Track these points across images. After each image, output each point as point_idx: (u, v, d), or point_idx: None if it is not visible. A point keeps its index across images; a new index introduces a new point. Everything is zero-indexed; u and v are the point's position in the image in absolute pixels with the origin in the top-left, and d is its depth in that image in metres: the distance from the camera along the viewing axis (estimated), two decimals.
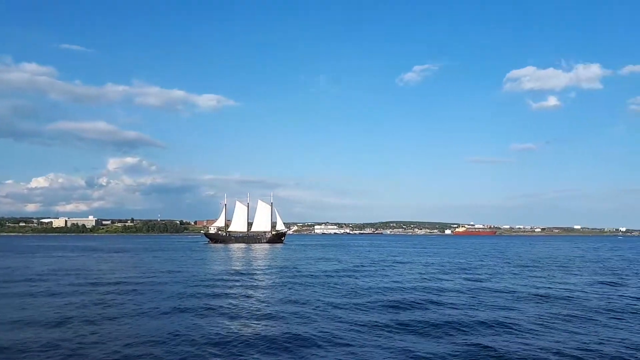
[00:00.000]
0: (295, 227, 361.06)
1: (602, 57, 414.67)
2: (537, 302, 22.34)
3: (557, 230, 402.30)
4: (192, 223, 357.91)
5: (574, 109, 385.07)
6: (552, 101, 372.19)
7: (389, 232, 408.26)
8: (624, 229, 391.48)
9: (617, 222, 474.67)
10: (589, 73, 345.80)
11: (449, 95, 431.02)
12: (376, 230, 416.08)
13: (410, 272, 38.76)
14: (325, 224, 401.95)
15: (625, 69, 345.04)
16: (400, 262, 50.79)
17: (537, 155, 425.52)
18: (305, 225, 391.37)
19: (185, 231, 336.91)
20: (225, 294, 25.22)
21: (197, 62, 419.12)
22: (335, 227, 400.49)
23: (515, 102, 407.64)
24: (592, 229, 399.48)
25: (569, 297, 24.18)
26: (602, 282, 31.22)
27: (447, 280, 32.18)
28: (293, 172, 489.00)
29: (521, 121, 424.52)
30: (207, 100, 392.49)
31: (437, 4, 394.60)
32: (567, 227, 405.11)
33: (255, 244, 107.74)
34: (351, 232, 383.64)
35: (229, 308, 20.70)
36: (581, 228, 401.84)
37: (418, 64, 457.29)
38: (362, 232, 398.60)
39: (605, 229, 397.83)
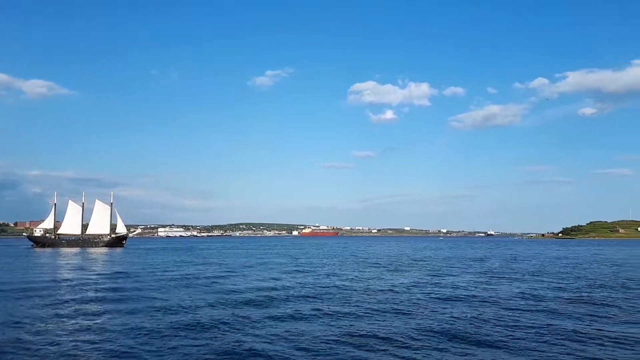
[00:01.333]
0: (139, 230, 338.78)
1: (431, 77, 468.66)
2: (381, 297, 24.42)
3: (390, 231, 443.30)
4: (12, 225, 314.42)
5: (407, 122, 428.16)
6: (389, 114, 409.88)
7: (238, 234, 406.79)
8: (445, 230, 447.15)
9: (440, 224, 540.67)
10: (420, 91, 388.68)
11: (298, 101, 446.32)
12: (225, 232, 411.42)
13: (259, 276, 39.15)
14: (170, 226, 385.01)
15: (448, 90, 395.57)
16: (249, 267, 50.99)
17: (376, 162, 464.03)
18: (147, 228, 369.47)
19: (2, 233, 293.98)
20: (43, 304, 22.51)
21: (27, 43, 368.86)
22: (182, 229, 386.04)
23: (358, 113, 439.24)
24: (420, 230, 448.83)
25: (392, 290, 26.92)
26: (425, 278, 35.33)
27: (289, 280, 33.28)
28: (138, 171, 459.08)
29: (363, 131, 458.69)
30: (34, 87, 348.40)
31: (294, 13, 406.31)
32: (399, 229, 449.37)
33: (92, 248, 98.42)
34: (198, 235, 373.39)
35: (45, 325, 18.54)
36: (410, 229, 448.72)
37: (270, 69, 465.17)
38: (210, 234, 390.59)
39: (430, 230, 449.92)
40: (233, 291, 27.55)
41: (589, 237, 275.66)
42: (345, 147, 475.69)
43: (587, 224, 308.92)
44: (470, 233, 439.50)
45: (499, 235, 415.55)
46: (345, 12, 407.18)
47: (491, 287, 29.92)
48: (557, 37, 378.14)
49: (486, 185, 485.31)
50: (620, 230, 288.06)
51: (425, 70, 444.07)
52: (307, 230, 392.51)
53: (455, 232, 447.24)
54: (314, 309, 21.19)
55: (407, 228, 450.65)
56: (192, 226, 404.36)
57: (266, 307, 21.99)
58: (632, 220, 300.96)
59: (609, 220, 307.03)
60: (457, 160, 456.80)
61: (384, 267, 47.71)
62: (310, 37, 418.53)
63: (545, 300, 23.97)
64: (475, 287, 29.52)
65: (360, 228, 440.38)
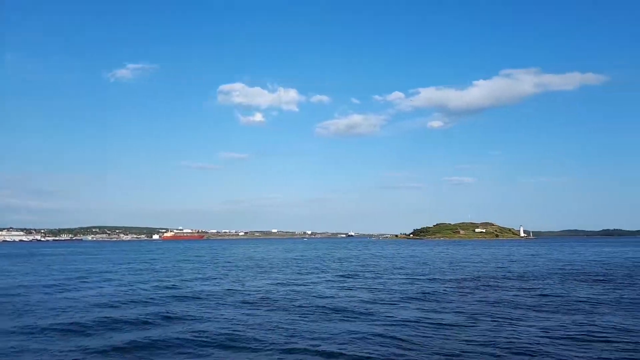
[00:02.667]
0: None
1: (299, 84, 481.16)
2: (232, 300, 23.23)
3: (258, 234, 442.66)
4: None
5: (276, 126, 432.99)
6: (259, 117, 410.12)
7: (90, 238, 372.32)
8: (310, 232, 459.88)
9: (305, 226, 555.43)
10: (288, 97, 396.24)
11: (163, 97, 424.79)
12: (75, 236, 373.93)
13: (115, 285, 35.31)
14: (9, 229, 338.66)
15: (315, 97, 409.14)
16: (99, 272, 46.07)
17: (244, 164, 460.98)
18: None
19: None
20: None
21: None
22: (22, 233, 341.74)
23: (226, 114, 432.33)
24: (286, 232, 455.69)
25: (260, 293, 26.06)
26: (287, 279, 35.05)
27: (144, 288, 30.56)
28: None
29: (231, 132, 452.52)
30: None
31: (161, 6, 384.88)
32: (266, 231, 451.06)
33: None
34: (43, 240, 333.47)
35: None
36: (277, 231, 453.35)
37: (132, 62, 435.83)
38: (56, 239, 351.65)
39: (296, 232, 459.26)
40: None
41: (435, 237, 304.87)
42: (212, 148, 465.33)
43: (434, 225, 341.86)
44: (333, 234, 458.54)
45: (358, 236, 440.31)
46: (217, 12, 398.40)
47: (345, 285, 30.57)
48: (413, 55, 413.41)
49: (348, 189, 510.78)
50: (461, 232, 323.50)
51: (293, 77, 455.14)
52: (169, 234, 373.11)
53: (319, 233, 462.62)
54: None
55: (274, 230, 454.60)
56: (35, 229, 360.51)
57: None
58: (471, 222, 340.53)
59: (452, 222, 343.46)
60: (322, 164, 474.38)
61: (262, 268, 46.63)
62: (177, 32, 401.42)
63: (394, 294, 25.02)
64: (329, 288, 29.89)
65: (227, 231, 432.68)
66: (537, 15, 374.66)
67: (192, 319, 19.94)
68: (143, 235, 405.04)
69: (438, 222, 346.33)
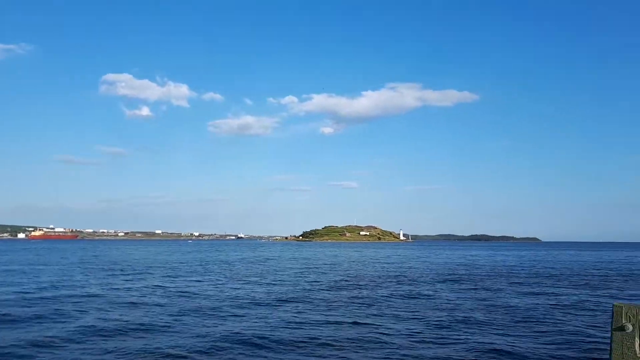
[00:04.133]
0: None
1: (190, 80, 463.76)
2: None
3: (139, 235, 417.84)
4: None
5: (164, 122, 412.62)
6: (146, 111, 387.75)
7: None
8: (197, 234, 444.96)
9: (192, 227, 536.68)
10: (179, 92, 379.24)
11: (34, 81, 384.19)
12: None
13: None
14: None
15: (208, 95, 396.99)
16: None
17: (126, 160, 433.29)
18: None
19: None
20: None
21: None
22: None
23: (109, 106, 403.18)
24: (172, 233, 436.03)
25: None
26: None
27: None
28: None
29: (114, 125, 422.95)
30: None
31: None
32: (149, 232, 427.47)
33: None
34: None
35: None
36: (162, 232, 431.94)
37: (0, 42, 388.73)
38: None
39: (182, 234, 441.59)
40: None
41: (323, 239, 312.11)
42: (89, 141, 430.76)
43: (323, 228, 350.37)
44: (222, 236, 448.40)
45: (248, 237, 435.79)
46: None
47: (225, 287, 28.73)
48: (308, 61, 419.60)
49: (238, 189, 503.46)
50: (347, 234, 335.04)
51: (185, 72, 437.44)
52: (37, 233, 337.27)
53: (207, 235, 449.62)
54: None
55: (158, 231, 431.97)
56: None
57: None
58: (356, 226, 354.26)
59: (339, 225, 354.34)
60: (212, 164, 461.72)
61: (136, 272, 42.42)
62: (59, 11, 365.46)
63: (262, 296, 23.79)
64: (214, 288, 27.85)
65: (105, 231, 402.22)
66: (423, 35, 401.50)
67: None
68: (6, 234, 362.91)
69: (326, 225, 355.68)
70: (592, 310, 22.09)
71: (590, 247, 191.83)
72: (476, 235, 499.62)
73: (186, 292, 27.84)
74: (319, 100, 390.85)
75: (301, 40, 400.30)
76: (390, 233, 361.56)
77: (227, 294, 27.09)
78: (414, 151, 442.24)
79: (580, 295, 27.77)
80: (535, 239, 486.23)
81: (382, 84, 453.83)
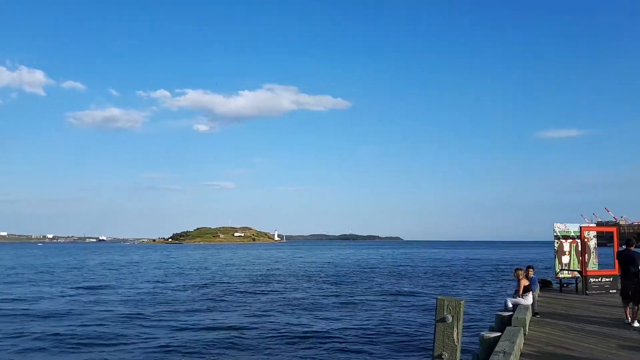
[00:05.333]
0: None
1: (46, 66, 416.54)
2: None
3: None
4: None
5: (14, 110, 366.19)
6: None
7: None
8: (51, 236, 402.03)
9: (46, 228, 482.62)
10: (33, 78, 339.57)
11: None
12: None
13: None
14: None
15: (68, 83, 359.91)
16: None
17: None
18: None
19: None
20: None
21: None
22: None
23: None
24: (20, 235, 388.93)
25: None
26: None
27: None
28: None
29: None
30: None
31: None
32: None
33: None
34: None
35: None
36: (7, 235, 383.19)
37: None
38: None
39: (33, 236, 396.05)
40: None
41: (195, 241, 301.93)
42: None
43: (195, 229, 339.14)
44: (80, 238, 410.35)
45: (111, 240, 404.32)
46: None
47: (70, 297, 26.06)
48: (183, 54, 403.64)
49: (101, 187, 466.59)
50: (221, 236, 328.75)
51: (41, 57, 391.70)
52: None
53: (63, 237, 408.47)
54: None
55: (3, 233, 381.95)
56: None
57: None
58: (231, 227, 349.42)
59: (212, 227, 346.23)
60: (71, 159, 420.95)
61: None
62: None
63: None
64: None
65: None
66: (303, 39, 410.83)
67: None
68: None
69: (199, 227, 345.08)
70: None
71: (442, 245, 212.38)
72: (346, 235, 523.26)
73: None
74: (194, 96, 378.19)
75: (175, 34, 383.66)
76: (265, 234, 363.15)
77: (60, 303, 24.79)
78: (290, 153, 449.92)
79: (416, 288, 30.51)
80: (397, 238, 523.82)
81: (259, 85, 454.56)
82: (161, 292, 29.04)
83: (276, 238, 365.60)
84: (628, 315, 10.66)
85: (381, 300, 25.02)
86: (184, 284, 34.64)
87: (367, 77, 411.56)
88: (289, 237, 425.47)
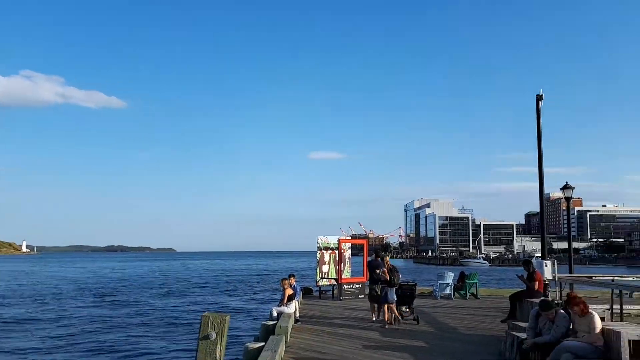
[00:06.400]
0: None
1: None
2: None
3: None
4: None
5: None
6: None
7: None
8: None
9: None
10: None
11: None
12: None
13: None
14: None
15: None
16: None
17: None
18: None
19: None
20: None
21: None
22: None
23: None
24: None
25: None
26: None
27: None
28: None
29: None
30: None
31: None
32: None
33: None
34: None
35: None
36: None
37: None
38: None
39: None
40: None
41: None
42: None
43: None
44: None
45: None
46: None
47: None
48: None
49: None
50: None
51: None
52: None
53: None
54: None
55: None
56: None
57: None
58: None
59: None
60: None
61: None
62: None
63: None
64: None
65: None
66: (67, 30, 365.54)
67: None
68: None
69: None
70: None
71: (218, 256, 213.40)
72: (113, 246, 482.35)
73: None
74: None
75: None
76: (10, 244, 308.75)
77: None
78: (47, 150, 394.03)
79: (184, 302, 30.01)
80: (171, 249, 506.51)
81: (15, 70, 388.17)
82: None
83: (24, 249, 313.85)
84: (373, 315, 12.38)
85: (139, 323, 23.46)
86: None
87: (149, 79, 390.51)
88: (41, 248, 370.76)
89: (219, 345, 5.52)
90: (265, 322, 10.64)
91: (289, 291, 11.83)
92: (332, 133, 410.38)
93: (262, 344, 8.13)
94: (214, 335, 5.49)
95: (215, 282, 48.38)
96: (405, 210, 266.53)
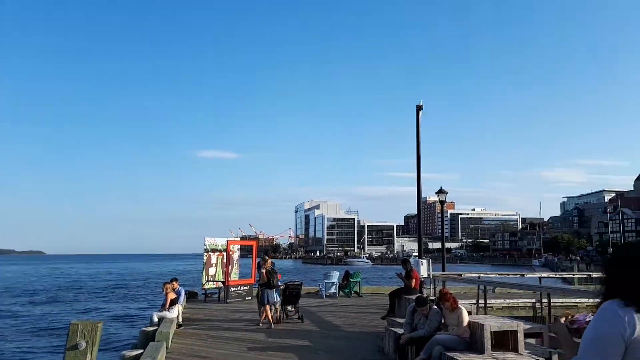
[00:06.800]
0: None
1: None
2: None
3: None
4: None
5: None
6: None
7: None
8: None
9: None
10: None
11: None
12: None
13: None
14: None
15: None
16: None
17: None
18: None
19: None
20: None
21: None
22: None
23: None
24: None
25: None
26: None
27: None
28: None
29: None
30: None
31: None
32: None
33: None
34: None
35: None
36: None
37: None
38: None
39: None
40: None
41: None
42: None
43: None
44: None
45: None
46: None
47: None
48: None
49: None
50: None
51: None
52: None
53: None
54: None
55: None
56: None
57: None
58: None
59: None
60: None
61: None
62: None
63: None
64: None
65: None
66: None
67: None
68: None
69: None
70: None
71: (93, 259, 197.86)
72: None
73: None
74: None
75: None
76: None
77: None
78: None
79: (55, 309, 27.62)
80: (40, 252, 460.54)
81: None
82: None
83: None
84: (261, 317, 12.05)
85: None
86: None
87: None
88: None
89: (89, 355, 5.07)
90: (144, 329, 10.06)
91: (172, 295, 11.33)
92: (226, 132, 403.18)
93: (141, 351, 7.67)
94: (83, 344, 5.04)
95: (91, 287, 44.79)
96: (296, 212, 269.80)
